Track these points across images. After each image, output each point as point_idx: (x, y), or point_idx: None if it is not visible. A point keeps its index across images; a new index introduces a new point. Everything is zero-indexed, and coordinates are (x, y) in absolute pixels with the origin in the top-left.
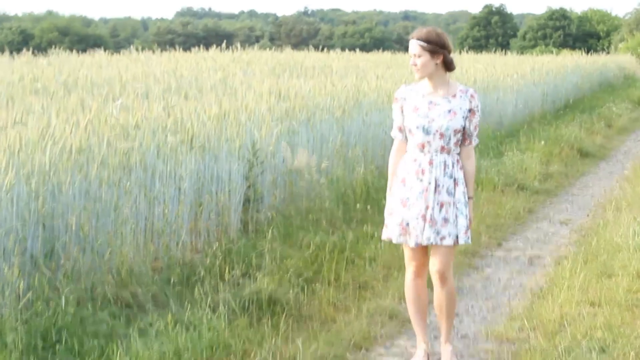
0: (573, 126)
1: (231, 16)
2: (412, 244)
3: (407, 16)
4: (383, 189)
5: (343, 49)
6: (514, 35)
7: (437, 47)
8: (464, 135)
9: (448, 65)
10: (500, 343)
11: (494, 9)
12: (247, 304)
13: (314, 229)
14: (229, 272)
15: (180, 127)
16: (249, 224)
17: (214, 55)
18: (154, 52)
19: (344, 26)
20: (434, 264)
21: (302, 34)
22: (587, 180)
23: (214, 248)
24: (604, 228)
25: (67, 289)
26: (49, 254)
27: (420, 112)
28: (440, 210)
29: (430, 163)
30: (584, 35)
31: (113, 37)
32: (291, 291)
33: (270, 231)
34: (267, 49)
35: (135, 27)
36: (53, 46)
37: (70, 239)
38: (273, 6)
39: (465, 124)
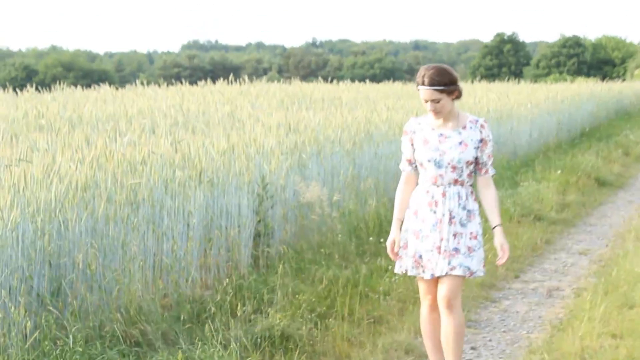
0: (590, 155)
1: (238, 48)
2: (427, 276)
3: (417, 46)
4: None
5: (353, 80)
6: (527, 64)
7: (452, 86)
8: (477, 165)
9: (459, 96)
10: None
11: (506, 38)
12: (259, 340)
13: (327, 263)
14: (240, 308)
15: (188, 162)
16: (259, 259)
17: (221, 89)
18: (159, 86)
19: (354, 57)
20: (441, 290)
21: (310, 65)
22: (605, 209)
23: (225, 284)
24: (624, 258)
25: (75, 328)
26: (56, 293)
27: (431, 146)
28: (452, 241)
29: (444, 195)
30: (599, 62)
31: (118, 72)
32: (304, 327)
33: (281, 266)
34: (275, 81)
35: (141, 61)
36: (57, 82)
37: (77, 277)
38: (281, 38)
39: (477, 155)
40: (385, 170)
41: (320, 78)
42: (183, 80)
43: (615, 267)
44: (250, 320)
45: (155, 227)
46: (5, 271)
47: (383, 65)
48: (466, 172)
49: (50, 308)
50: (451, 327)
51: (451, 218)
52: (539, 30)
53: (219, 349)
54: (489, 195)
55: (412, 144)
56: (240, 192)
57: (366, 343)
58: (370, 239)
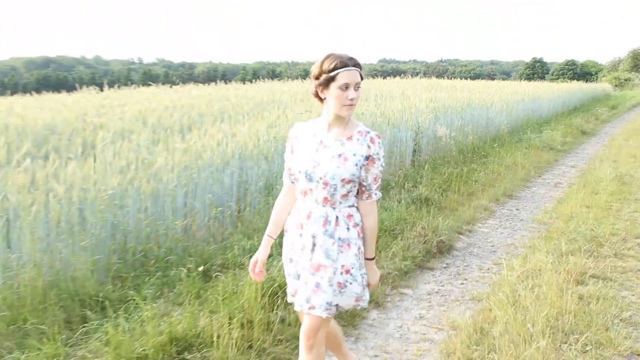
0: (577, 118)
1: (404, 62)
2: (296, 307)
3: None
4: (483, 147)
5: (464, 78)
6: (547, 73)
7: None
8: (360, 187)
9: None
10: (539, 224)
11: (536, 59)
12: (415, 200)
13: (447, 165)
14: (406, 184)
15: (383, 115)
16: (415, 162)
17: (398, 81)
18: (374, 78)
19: (463, 67)
20: (303, 328)
21: (440, 70)
22: (585, 146)
23: (398, 172)
24: (594, 169)
25: None
26: None
27: (307, 155)
28: (314, 274)
29: (309, 216)
30: (584, 73)
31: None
32: (436, 194)
33: (426, 165)
34: (422, 77)
35: None
36: None
37: None
38: (424, 55)
39: (361, 174)
40: (477, 122)
41: (445, 77)
42: (379, 76)
43: (589, 173)
44: (410, 190)
45: None
46: None
47: (477, 72)
48: (341, 191)
49: None
50: None
51: (314, 245)
52: (561, 53)
53: (395, 202)
54: (368, 223)
55: (293, 151)
56: (407, 131)
57: (465, 204)
58: (469, 155)
